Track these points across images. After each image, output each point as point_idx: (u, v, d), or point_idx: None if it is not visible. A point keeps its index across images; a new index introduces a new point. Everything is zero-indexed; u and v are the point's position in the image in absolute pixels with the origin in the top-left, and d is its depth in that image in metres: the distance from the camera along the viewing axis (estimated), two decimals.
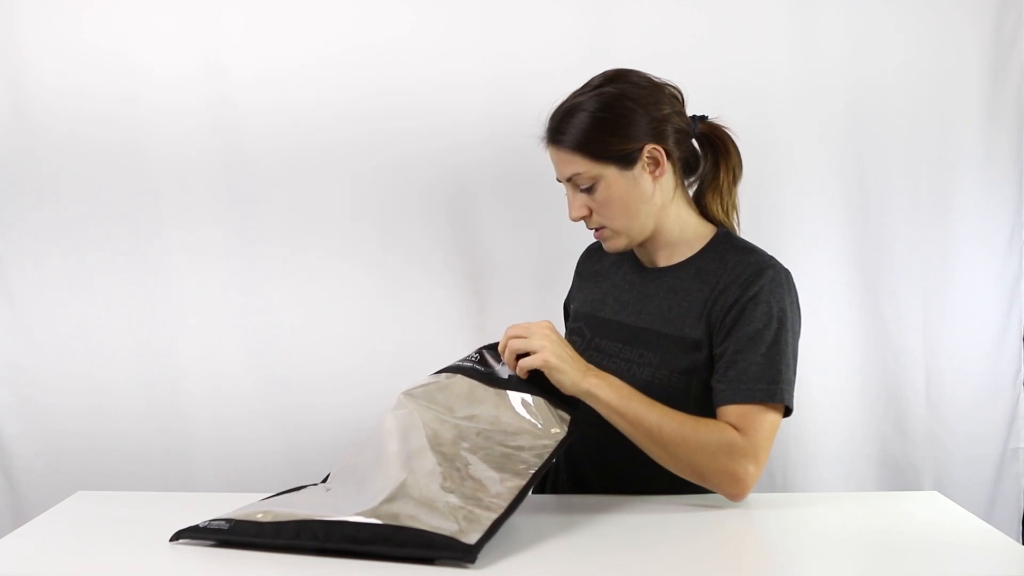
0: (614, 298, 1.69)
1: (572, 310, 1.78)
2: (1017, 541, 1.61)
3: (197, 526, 1.29)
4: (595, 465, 1.63)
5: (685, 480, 1.49)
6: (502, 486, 1.32)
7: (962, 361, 2.19)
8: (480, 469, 1.37)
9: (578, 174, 1.57)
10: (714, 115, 1.69)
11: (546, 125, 1.60)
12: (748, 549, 1.33)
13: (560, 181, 1.62)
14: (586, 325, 1.69)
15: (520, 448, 1.41)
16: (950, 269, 2.18)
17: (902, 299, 2.18)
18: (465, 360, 1.55)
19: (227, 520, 1.29)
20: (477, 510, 1.26)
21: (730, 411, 1.50)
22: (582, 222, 1.63)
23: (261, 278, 2.12)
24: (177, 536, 1.29)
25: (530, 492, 1.35)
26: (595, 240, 1.69)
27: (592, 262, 1.79)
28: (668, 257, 1.66)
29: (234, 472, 2.13)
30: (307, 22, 2.09)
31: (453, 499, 1.28)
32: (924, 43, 2.14)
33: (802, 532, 1.41)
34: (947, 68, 2.15)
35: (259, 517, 1.29)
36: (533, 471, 1.37)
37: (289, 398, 2.13)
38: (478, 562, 1.21)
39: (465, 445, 1.40)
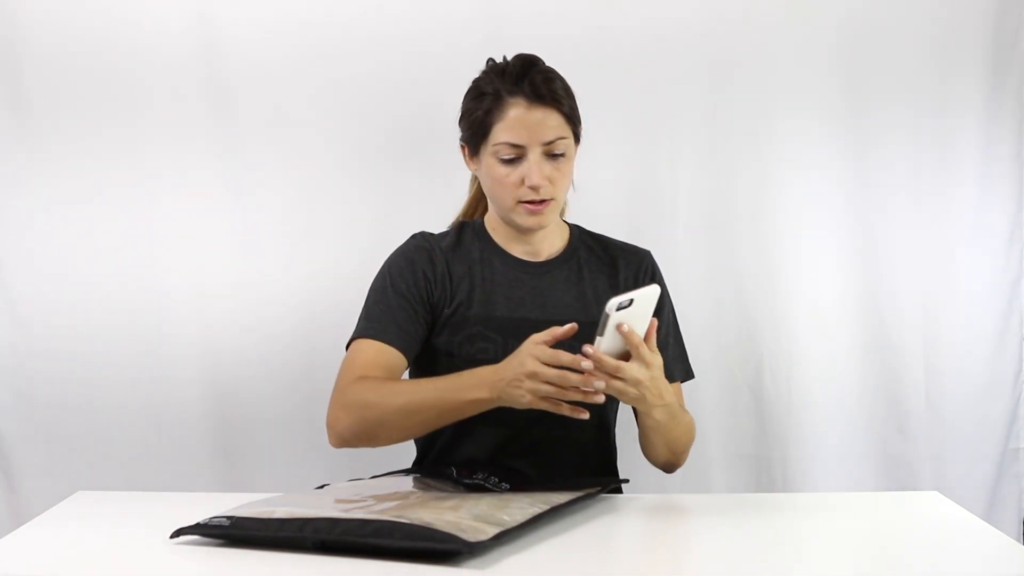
0: (503, 295, 1.63)
1: (456, 314, 1.61)
2: (1017, 541, 1.61)
3: (198, 523, 1.29)
4: (525, 451, 1.63)
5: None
6: (519, 512, 1.33)
7: (962, 361, 2.19)
8: (506, 497, 1.39)
9: (562, 139, 1.57)
10: None
11: (528, 82, 1.55)
12: (748, 549, 1.33)
13: (518, 146, 1.55)
14: (487, 328, 1.60)
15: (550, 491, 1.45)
16: (950, 269, 2.18)
17: (902, 299, 2.18)
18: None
19: (228, 517, 1.28)
20: (482, 525, 1.26)
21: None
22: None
23: (260, 278, 2.12)
24: (178, 533, 1.29)
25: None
26: (419, 237, 1.66)
27: (450, 260, 1.64)
28: (549, 248, 1.68)
29: (234, 472, 2.12)
30: None
31: (463, 514, 1.28)
32: (924, 42, 2.14)
33: (802, 532, 1.41)
34: (947, 68, 2.15)
35: (261, 514, 1.29)
36: (552, 505, 1.37)
37: (289, 397, 2.13)
38: (480, 562, 1.21)
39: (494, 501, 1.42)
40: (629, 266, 1.69)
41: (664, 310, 1.67)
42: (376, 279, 1.66)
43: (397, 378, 1.59)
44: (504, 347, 1.56)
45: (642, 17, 2.11)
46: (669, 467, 1.64)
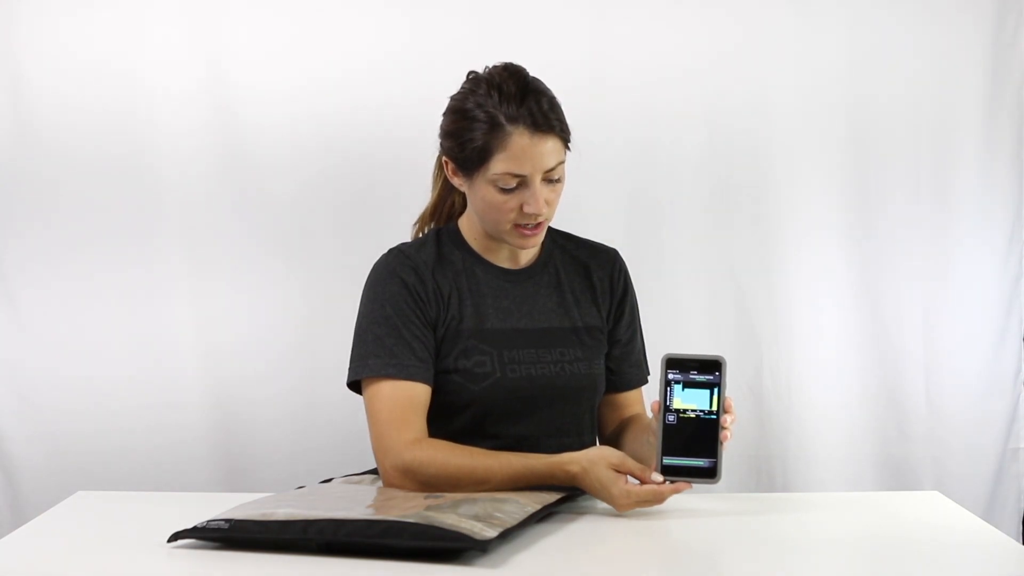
0: (491, 307, 1.59)
1: (449, 329, 1.57)
2: (1017, 541, 1.62)
3: (195, 527, 1.29)
4: None
5: None
6: (515, 510, 1.33)
7: (962, 361, 2.19)
8: (501, 496, 1.39)
9: (561, 163, 1.53)
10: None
11: (528, 109, 1.48)
12: (749, 549, 1.33)
13: (520, 175, 1.49)
14: (481, 341, 1.57)
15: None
16: (950, 269, 2.18)
17: (902, 299, 2.18)
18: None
19: (227, 520, 1.28)
20: (482, 524, 1.26)
21: (638, 393, 1.71)
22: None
23: (260, 279, 2.12)
24: (175, 537, 1.29)
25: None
26: (398, 254, 1.59)
27: (436, 275, 1.58)
28: (527, 254, 1.65)
29: (234, 472, 2.12)
30: (306, 39, 2.10)
31: (465, 515, 1.28)
32: (925, 43, 2.14)
33: (802, 532, 1.41)
34: (947, 68, 2.15)
35: (261, 516, 1.29)
36: (544, 504, 1.39)
37: (289, 398, 2.13)
38: (484, 561, 1.21)
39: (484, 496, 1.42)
40: (602, 267, 1.68)
41: (629, 307, 1.69)
42: (368, 307, 1.57)
43: (426, 414, 1.53)
44: (499, 358, 1.57)
45: (644, 20, 2.11)
46: None
